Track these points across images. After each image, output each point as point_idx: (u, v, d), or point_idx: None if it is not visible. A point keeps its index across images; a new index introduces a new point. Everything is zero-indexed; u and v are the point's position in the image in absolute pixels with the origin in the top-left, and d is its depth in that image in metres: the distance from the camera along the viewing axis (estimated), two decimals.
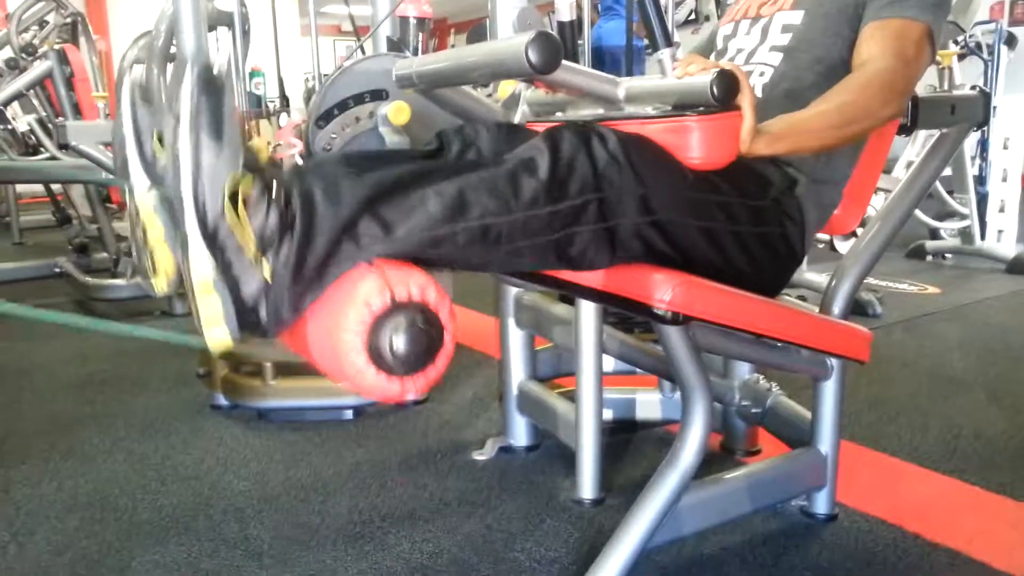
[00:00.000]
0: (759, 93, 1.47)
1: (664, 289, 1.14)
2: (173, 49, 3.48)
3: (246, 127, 2.52)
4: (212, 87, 0.93)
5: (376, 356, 0.98)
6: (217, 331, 0.97)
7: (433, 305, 1.00)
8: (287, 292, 0.98)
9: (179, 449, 2.09)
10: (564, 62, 1.09)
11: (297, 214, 0.98)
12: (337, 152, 1.26)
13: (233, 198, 0.94)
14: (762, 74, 1.49)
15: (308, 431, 2.16)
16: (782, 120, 1.25)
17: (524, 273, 1.32)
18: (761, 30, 1.54)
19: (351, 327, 0.96)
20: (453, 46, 9.18)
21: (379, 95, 1.68)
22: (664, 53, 1.20)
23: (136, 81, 1.06)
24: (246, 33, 3.31)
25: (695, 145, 1.17)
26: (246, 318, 0.97)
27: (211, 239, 0.94)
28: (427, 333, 1.00)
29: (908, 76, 1.36)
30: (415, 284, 0.99)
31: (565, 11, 1.51)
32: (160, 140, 1.02)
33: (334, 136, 1.67)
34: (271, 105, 3.64)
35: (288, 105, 4.26)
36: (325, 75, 2.87)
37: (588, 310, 1.61)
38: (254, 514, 1.74)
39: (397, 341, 0.98)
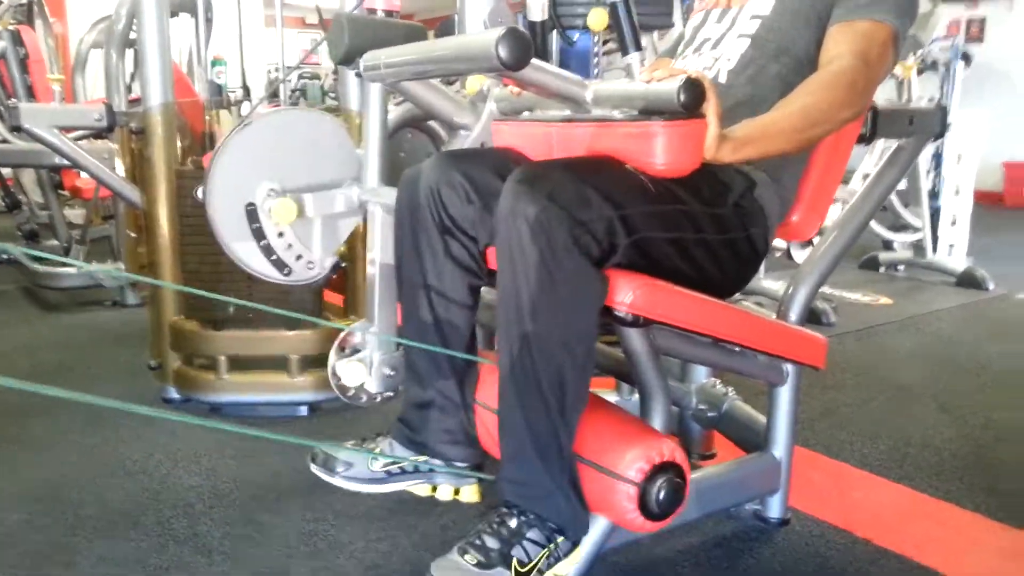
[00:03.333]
0: (723, 78, 1.48)
1: (625, 292, 1.14)
2: (133, 35, 3.42)
3: (206, 116, 2.47)
4: None
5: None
6: None
7: (679, 461, 1.28)
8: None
9: (128, 443, 2.05)
10: (533, 60, 1.09)
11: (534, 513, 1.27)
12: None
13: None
14: (728, 59, 1.50)
15: (262, 427, 2.13)
16: (746, 126, 1.26)
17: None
18: (731, 19, 1.55)
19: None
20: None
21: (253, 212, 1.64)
22: (633, 57, 1.21)
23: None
24: (209, 20, 3.25)
25: (660, 151, 1.17)
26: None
27: None
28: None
29: (870, 77, 1.38)
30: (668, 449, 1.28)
31: (536, 11, 1.51)
32: None
33: (290, 245, 1.66)
34: (232, 95, 3.58)
35: (249, 95, 4.20)
36: (288, 67, 2.83)
37: None
38: (204, 510, 1.71)
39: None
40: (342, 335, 1.60)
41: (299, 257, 1.66)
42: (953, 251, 4.42)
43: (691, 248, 1.26)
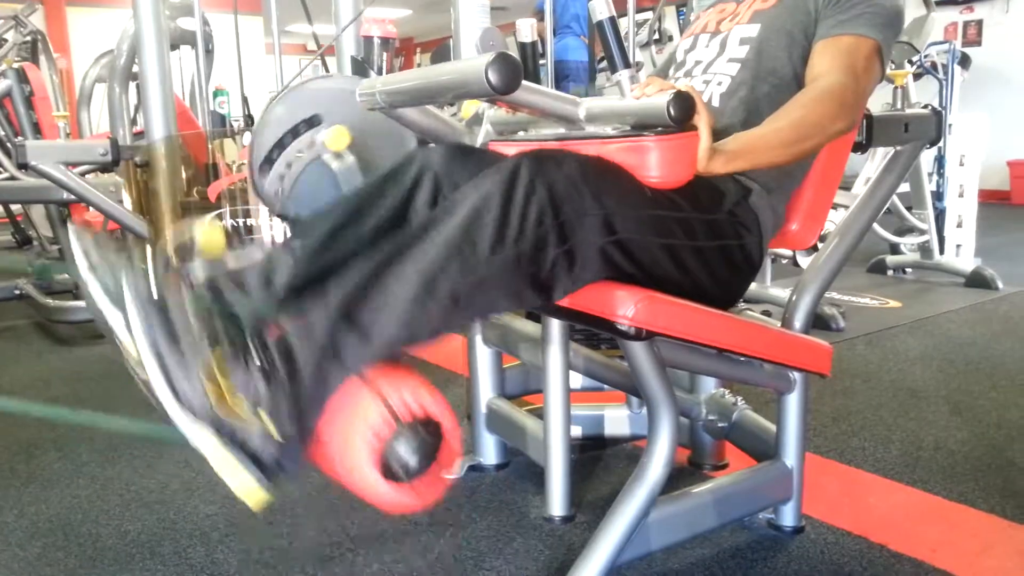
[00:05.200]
0: (716, 102, 1.50)
1: (627, 305, 1.15)
2: (136, 68, 3.46)
3: (209, 147, 2.51)
4: (152, 302, 0.99)
5: (389, 474, 1.05)
6: (241, 481, 1.02)
7: (434, 414, 1.08)
8: (293, 431, 1.02)
9: (143, 473, 2.06)
10: (524, 83, 1.10)
11: (275, 357, 1.01)
12: (290, 241, 1.28)
13: (211, 374, 0.99)
14: (720, 83, 1.52)
15: None
16: (737, 139, 1.28)
17: None
18: (720, 43, 1.58)
19: (361, 452, 1.04)
20: (420, 65, 9.20)
21: (313, 122, 1.68)
22: (623, 74, 1.22)
23: (85, 248, 1.08)
24: (209, 52, 3.30)
25: (654, 164, 1.19)
26: (263, 465, 1.02)
27: (203, 420, 0.99)
28: (431, 443, 1.08)
29: (858, 91, 1.40)
30: (410, 396, 1.06)
31: (526, 32, 1.53)
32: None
33: (282, 176, 1.67)
34: (235, 124, 3.62)
35: (252, 124, 4.24)
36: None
37: (555, 327, 1.62)
38: (220, 538, 1.72)
39: (406, 459, 1.06)
40: None
41: None
42: (961, 252, 4.41)
43: (684, 255, 1.26)
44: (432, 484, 1.09)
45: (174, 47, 3.12)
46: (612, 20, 1.21)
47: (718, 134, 1.25)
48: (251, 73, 3.98)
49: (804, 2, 1.49)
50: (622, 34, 1.25)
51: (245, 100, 4.04)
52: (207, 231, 1.61)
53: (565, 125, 1.29)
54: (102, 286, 1.05)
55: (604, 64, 2.02)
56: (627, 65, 1.21)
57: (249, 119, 4.28)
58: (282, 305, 1.12)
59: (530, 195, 1.10)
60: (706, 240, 1.29)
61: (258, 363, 1.01)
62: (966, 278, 4.14)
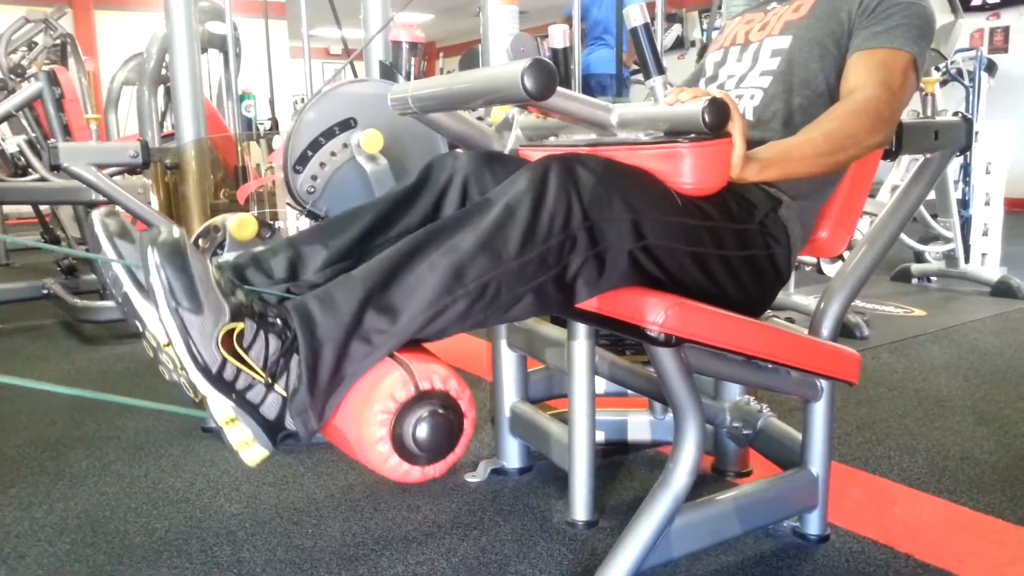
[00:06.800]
0: (750, 115, 1.50)
1: (657, 311, 1.15)
2: (164, 71, 3.50)
3: (238, 149, 2.53)
4: (176, 259, 0.98)
5: (399, 446, 1.05)
6: (250, 452, 1.04)
7: (455, 393, 1.08)
8: (308, 404, 1.03)
9: (170, 472, 2.09)
10: (559, 88, 1.11)
11: (298, 332, 1.02)
12: (319, 229, 1.28)
13: (229, 342, 1.00)
14: (752, 97, 1.52)
15: (300, 453, 2.16)
16: (772, 147, 1.28)
17: None
18: (752, 56, 1.57)
19: (375, 420, 1.03)
20: (442, 69, 9.23)
21: (347, 124, 1.70)
22: (656, 80, 1.23)
23: (105, 222, 1.10)
24: (237, 55, 3.33)
25: (687, 171, 1.19)
26: (275, 434, 1.04)
27: (219, 383, 1.00)
28: (448, 420, 1.07)
29: (894, 105, 1.39)
30: (437, 376, 1.07)
31: (559, 38, 1.54)
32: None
33: (315, 176, 1.69)
34: (261, 127, 3.65)
35: (278, 127, 4.28)
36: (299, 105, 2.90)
37: (580, 332, 1.63)
38: (247, 537, 1.73)
39: (420, 431, 1.05)
40: None
41: None
42: (986, 260, 4.37)
43: (712, 264, 1.26)
44: (439, 464, 1.10)
45: (203, 50, 3.15)
46: (647, 27, 1.22)
47: (752, 145, 1.25)
48: (276, 77, 4.02)
49: (836, 12, 1.49)
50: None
51: (272, 103, 4.08)
52: (240, 219, 1.64)
53: (597, 131, 1.29)
54: (125, 269, 1.07)
55: (636, 75, 2.02)
56: (661, 71, 1.22)
57: (275, 122, 4.33)
58: (309, 287, 1.14)
59: (560, 196, 1.11)
60: (735, 250, 1.30)
61: (278, 334, 1.02)
62: (992, 287, 4.11)
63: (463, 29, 14.01)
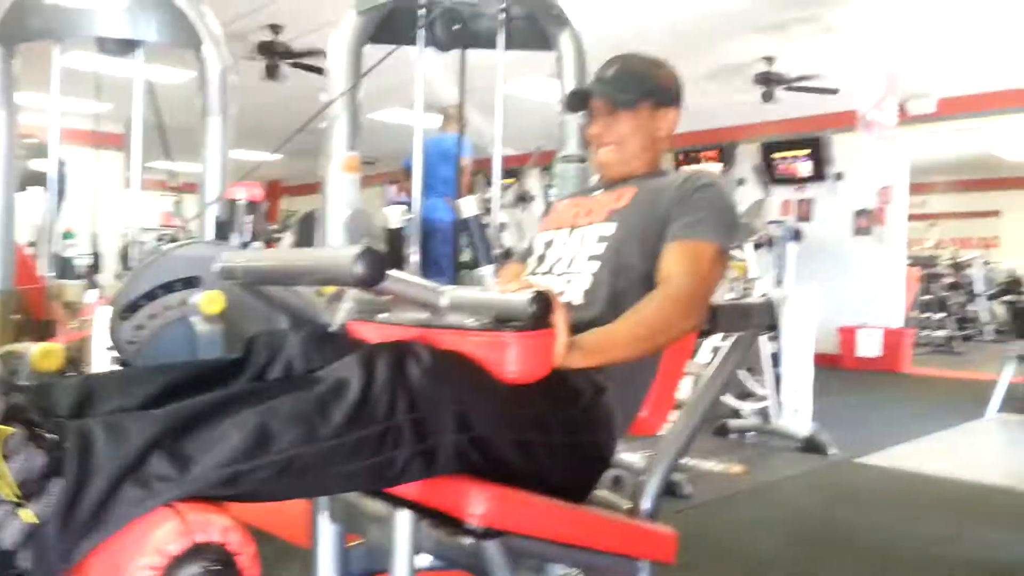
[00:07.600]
0: (580, 297, 1.55)
1: (477, 503, 1.14)
2: None
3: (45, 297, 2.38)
4: None
5: None
6: None
7: (234, 547, 0.96)
8: (55, 539, 0.90)
9: None
10: (390, 272, 1.12)
11: (69, 452, 0.92)
12: (124, 372, 1.19)
13: None
14: (581, 279, 1.58)
15: None
16: (594, 334, 1.33)
17: None
18: (579, 239, 1.65)
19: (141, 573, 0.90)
20: (285, 209, 9.21)
21: (192, 283, 1.65)
22: (487, 269, 1.26)
23: None
24: (62, 192, 3.18)
25: (512, 359, 1.21)
26: (4, 565, 0.89)
27: None
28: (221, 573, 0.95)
29: (703, 291, 1.50)
30: (216, 528, 0.95)
31: (395, 218, 1.57)
32: None
33: (141, 327, 1.61)
34: (80, 265, 3.46)
35: (97, 264, 4.04)
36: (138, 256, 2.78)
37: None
38: None
39: None
40: None
41: None
42: (798, 415, 4.65)
43: (536, 451, 1.28)
44: None
45: (22, 189, 2.98)
46: (478, 218, 1.26)
47: (583, 326, 1.30)
48: (109, 208, 3.85)
49: (654, 204, 1.59)
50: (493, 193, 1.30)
51: (95, 239, 3.90)
52: (45, 347, 1.50)
53: (428, 311, 1.30)
54: None
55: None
56: (490, 261, 1.26)
57: (95, 257, 4.10)
58: (98, 416, 1.03)
59: (387, 386, 1.09)
60: (559, 436, 1.32)
61: (48, 450, 0.91)
62: (801, 443, 4.35)
63: (311, 170, 14.02)
